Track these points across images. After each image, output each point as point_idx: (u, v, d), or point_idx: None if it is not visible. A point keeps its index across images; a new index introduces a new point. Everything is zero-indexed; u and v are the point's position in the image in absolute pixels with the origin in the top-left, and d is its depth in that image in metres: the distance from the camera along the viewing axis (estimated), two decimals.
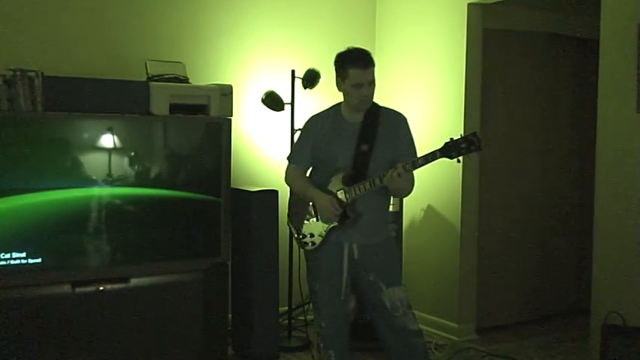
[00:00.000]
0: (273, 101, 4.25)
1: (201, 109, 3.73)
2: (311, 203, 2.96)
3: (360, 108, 2.88)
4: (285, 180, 3.12)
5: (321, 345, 2.98)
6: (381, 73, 5.05)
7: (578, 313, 4.73)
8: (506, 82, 4.64)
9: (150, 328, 3.56)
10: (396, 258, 3.09)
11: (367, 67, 2.83)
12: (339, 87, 2.91)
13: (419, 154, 2.82)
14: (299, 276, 4.23)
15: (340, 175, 2.87)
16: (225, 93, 3.78)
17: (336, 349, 2.95)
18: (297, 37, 4.72)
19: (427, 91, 4.58)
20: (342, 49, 2.99)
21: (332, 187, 2.88)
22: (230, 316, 4.02)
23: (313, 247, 2.98)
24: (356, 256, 2.91)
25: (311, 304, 4.55)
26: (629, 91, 3.45)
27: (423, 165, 2.70)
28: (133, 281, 3.53)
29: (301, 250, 3.18)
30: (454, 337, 4.34)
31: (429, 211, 4.54)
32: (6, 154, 3.26)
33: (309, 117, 3.06)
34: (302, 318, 4.65)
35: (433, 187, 4.39)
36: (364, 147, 2.85)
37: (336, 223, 2.88)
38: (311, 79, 4.26)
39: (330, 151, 2.92)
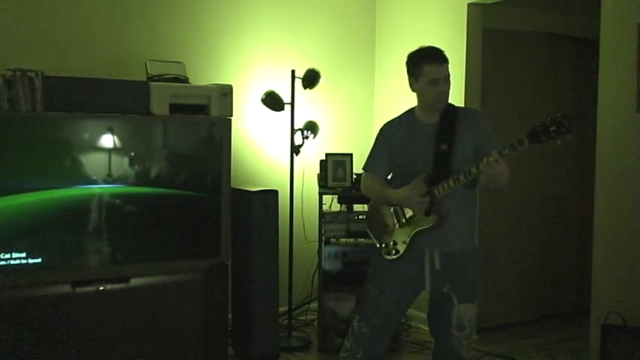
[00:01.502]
0: (273, 101, 4.25)
1: (201, 109, 3.73)
2: (392, 210, 2.82)
3: (436, 107, 2.75)
4: (362, 189, 2.98)
5: (352, 345, 2.82)
6: (381, 74, 5.07)
7: (578, 313, 4.72)
8: (506, 82, 4.64)
9: (150, 328, 3.56)
10: (477, 273, 2.82)
11: (442, 62, 2.72)
12: (413, 87, 2.80)
13: None
14: (299, 276, 4.23)
15: (421, 177, 2.70)
16: (225, 93, 3.78)
17: (370, 353, 2.81)
18: (298, 37, 4.72)
19: None
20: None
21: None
22: (230, 316, 4.02)
23: (397, 255, 2.78)
24: (437, 266, 2.73)
25: (312, 304, 4.61)
26: (629, 91, 3.45)
27: (510, 154, 2.50)
28: (133, 281, 3.53)
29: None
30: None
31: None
32: (6, 154, 3.26)
33: (383, 124, 2.94)
34: (302, 318, 4.66)
35: None
36: (444, 147, 2.70)
37: (421, 227, 2.71)
38: (311, 79, 4.26)
39: (408, 155, 2.78)
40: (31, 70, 3.31)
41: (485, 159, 2.52)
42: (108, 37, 4.03)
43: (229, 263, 3.84)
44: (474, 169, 2.58)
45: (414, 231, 2.75)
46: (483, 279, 4.46)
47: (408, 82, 2.82)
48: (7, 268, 3.26)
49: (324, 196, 4.32)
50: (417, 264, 2.76)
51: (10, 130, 3.28)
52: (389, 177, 2.93)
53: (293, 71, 4.28)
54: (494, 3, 4.25)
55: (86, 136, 3.49)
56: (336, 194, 4.36)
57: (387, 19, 4.95)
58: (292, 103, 4.28)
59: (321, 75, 4.27)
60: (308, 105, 4.57)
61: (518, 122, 4.69)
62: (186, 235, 3.71)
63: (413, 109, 2.88)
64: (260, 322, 3.89)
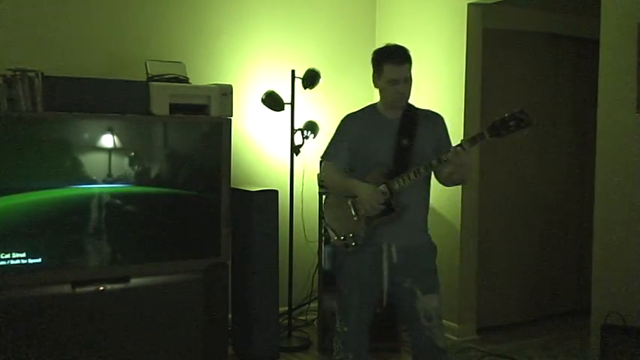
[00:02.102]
0: (273, 101, 4.25)
1: (201, 109, 3.73)
2: (350, 202, 2.82)
3: (395, 105, 2.82)
4: (320, 178, 3.01)
5: (340, 347, 2.89)
6: None
7: (578, 313, 4.73)
8: (506, 82, 4.64)
9: (150, 328, 3.56)
10: (434, 264, 2.90)
11: (402, 63, 2.76)
12: (375, 84, 2.85)
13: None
14: (299, 276, 4.23)
15: (380, 170, 2.77)
16: (225, 93, 3.78)
17: (357, 352, 2.87)
18: (297, 38, 4.72)
19: (427, 91, 4.57)
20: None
21: (372, 182, 2.77)
22: (230, 316, 4.02)
23: (356, 247, 2.82)
24: (395, 260, 2.79)
25: (312, 304, 4.61)
26: (629, 91, 3.45)
27: (472, 147, 2.62)
28: (133, 281, 3.53)
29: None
30: (454, 337, 4.33)
31: (429, 211, 4.53)
32: (6, 154, 3.26)
33: (344, 116, 2.98)
34: (302, 318, 4.66)
35: (433, 187, 4.37)
36: (405, 142, 2.78)
37: (378, 219, 2.75)
38: (311, 79, 4.26)
39: (369, 148, 2.83)
40: (31, 70, 3.31)
41: (452, 148, 2.63)
42: (108, 37, 4.03)
43: (229, 263, 3.84)
44: (434, 162, 2.68)
45: (372, 223, 2.79)
46: (484, 279, 4.54)
47: (372, 78, 2.88)
48: (7, 268, 3.26)
49: (324, 196, 4.31)
50: (377, 257, 2.81)
51: (10, 130, 3.28)
52: (348, 168, 2.96)
53: (293, 71, 4.28)
54: (494, 3, 4.26)
55: (86, 136, 3.49)
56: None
57: (387, 19, 4.95)
58: (292, 103, 4.28)
59: (321, 75, 4.27)
60: (308, 105, 4.57)
61: None
62: (186, 235, 3.71)
63: (375, 104, 2.94)
64: (260, 322, 3.89)
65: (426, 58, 4.58)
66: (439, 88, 4.48)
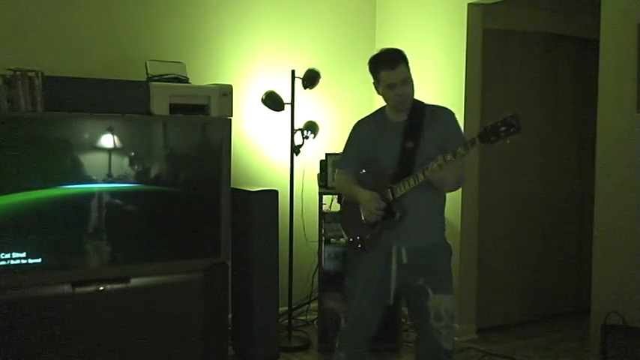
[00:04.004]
0: (273, 101, 4.25)
1: (201, 109, 3.73)
2: (359, 205, 2.87)
3: (398, 108, 2.82)
4: (335, 186, 3.11)
5: (338, 343, 2.91)
6: None
7: (578, 313, 4.73)
8: (506, 82, 4.64)
9: (150, 328, 3.56)
10: (448, 265, 2.88)
11: (395, 66, 2.76)
12: (377, 91, 2.86)
13: None
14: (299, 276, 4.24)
15: (386, 174, 2.79)
16: (225, 93, 3.78)
17: (349, 351, 2.87)
18: (298, 38, 4.72)
19: (427, 91, 4.56)
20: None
21: (378, 186, 2.80)
22: (230, 316, 4.02)
23: (363, 249, 2.86)
24: (405, 260, 2.78)
25: (312, 304, 4.61)
26: (629, 91, 3.45)
27: (465, 154, 2.58)
28: (133, 281, 3.53)
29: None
30: (454, 337, 4.33)
31: None
32: (6, 153, 3.26)
33: (356, 122, 3.01)
34: (302, 318, 4.66)
35: None
36: (410, 144, 2.77)
37: (384, 222, 2.77)
38: (311, 79, 4.26)
39: (374, 151, 2.86)
40: (31, 70, 3.31)
41: (430, 164, 2.60)
42: (108, 37, 4.03)
43: (229, 263, 3.84)
44: (421, 175, 2.67)
45: (379, 226, 2.81)
46: (484, 279, 4.54)
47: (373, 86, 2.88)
48: (7, 268, 3.26)
49: (324, 196, 4.32)
50: (385, 258, 2.81)
51: (10, 130, 3.28)
52: (362, 172, 3.00)
53: (293, 71, 4.28)
54: (494, 3, 4.26)
55: (86, 136, 3.49)
56: (336, 194, 4.36)
57: (387, 19, 4.95)
58: (292, 103, 4.28)
59: (321, 75, 4.27)
60: (308, 105, 4.57)
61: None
62: (186, 235, 3.71)
63: (384, 107, 2.94)
64: (260, 322, 3.89)
65: (426, 58, 4.58)
66: (439, 88, 4.47)
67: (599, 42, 3.64)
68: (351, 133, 3.01)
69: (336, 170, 3.10)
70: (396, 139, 2.81)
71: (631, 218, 3.48)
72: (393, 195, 2.75)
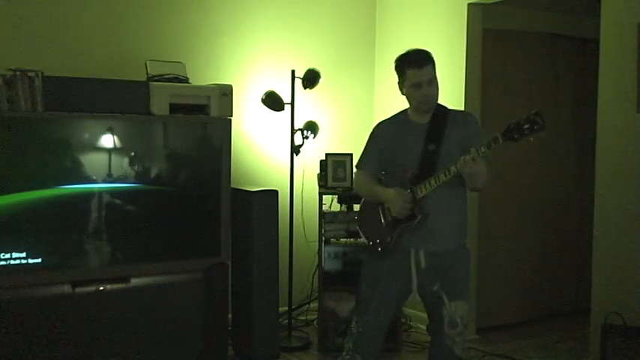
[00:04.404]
0: (273, 101, 4.25)
1: (201, 109, 3.73)
2: (380, 208, 2.84)
3: (422, 109, 2.79)
4: (354, 187, 3.06)
5: (350, 347, 2.85)
6: (381, 74, 5.07)
7: (578, 313, 4.73)
8: (506, 82, 4.64)
9: (150, 328, 3.56)
10: (466, 271, 2.85)
11: (423, 65, 2.75)
12: (402, 91, 2.84)
13: None
14: (298, 276, 4.24)
15: (407, 175, 2.74)
16: (225, 93, 3.77)
17: (364, 356, 2.83)
18: (297, 37, 4.72)
19: None
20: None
21: (399, 187, 2.76)
22: (230, 316, 4.02)
23: (383, 252, 2.83)
24: (423, 265, 2.76)
25: (312, 304, 4.61)
26: (629, 91, 3.45)
27: (487, 152, 2.52)
28: (133, 281, 3.53)
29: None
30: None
31: None
32: (6, 154, 3.26)
33: (377, 123, 2.99)
34: (302, 318, 4.66)
35: None
36: (432, 146, 2.74)
37: (405, 224, 2.74)
38: (311, 79, 4.26)
39: (396, 153, 2.83)
40: (31, 70, 3.31)
41: (462, 157, 2.53)
42: (108, 37, 4.03)
43: (229, 263, 3.84)
44: (453, 168, 2.59)
45: (399, 228, 2.77)
46: (484, 279, 4.53)
47: (398, 86, 2.86)
48: (7, 268, 3.26)
49: (324, 196, 4.32)
50: (404, 262, 2.79)
51: (10, 130, 3.28)
52: (382, 174, 2.97)
53: (293, 71, 4.28)
54: (494, 3, 4.25)
55: (86, 136, 3.49)
56: (336, 194, 4.37)
57: (387, 19, 4.95)
58: (292, 103, 4.28)
59: (321, 75, 4.27)
60: (308, 105, 4.57)
61: None
62: (186, 235, 3.71)
63: (406, 109, 2.91)
64: (260, 322, 3.89)
65: None
66: (439, 87, 4.47)
67: (599, 42, 3.64)
68: (371, 133, 2.98)
69: (355, 171, 3.07)
70: (418, 141, 2.77)
71: (631, 218, 3.48)
72: (414, 196, 2.71)
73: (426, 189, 2.68)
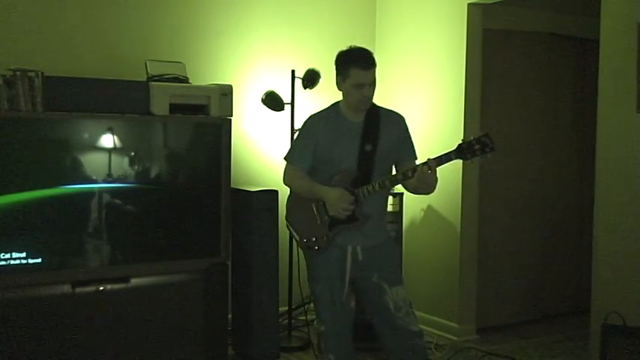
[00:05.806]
0: (273, 101, 4.25)
1: (201, 109, 3.73)
2: (314, 205, 2.87)
3: (359, 108, 2.83)
4: (284, 181, 3.01)
5: (323, 347, 2.93)
6: (381, 74, 5.04)
7: (578, 313, 4.73)
8: (506, 82, 4.65)
9: (150, 328, 3.56)
10: (398, 257, 3.06)
11: (369, 68, 2.78)
12: (339, 86, 2.86)
13: (427, 156, 2.76)
14: (299, 276, 4.23)
15: (344, 177, 2.80)
16: (225, 93, 3.78)
17: (337, 352, 2.89)
18: (297, 37, 4.72)
19: (427, 91, 4.58)
20: (342, 48, 2.97)
21: (339, 187, 2.80)
22: (230, 316, 4.02)
23: (318, 250, 2.89)
24: (360, 257, 2.85)
25: (311, 304, 4.60)
26: (629, 91, 3.45)
27: (438, 166, 2.65)
28: (133, 281, 3.53)
29: (301, 250, 3.14)
30: (454, 337, 4.34)
31: (429, 211, 4.54)
32: (6, 154, 3.26)
33: (309, 117, 2.98)
34: (302, 318, 4.66)
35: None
36: (368, 147, 2.80)
37: (343, 224, 2.81)
38: (311, 79, 4.26)
39: (333, 152, 2.84)
40: (31, 70, 3.31)
41: (419, 168, 2.65)
42: (108, 37, 4.03)
43: (229, 263, 3.84)
44: (399, 176, 2.75)
45: (337, 228, 2.83)
46: (484, 279, 4.54)
47: (335, 80, 2.88)
48: (7, 268, 3.26)
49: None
50: (340, 258, 2.86)
51: (10, 130, 3.28)
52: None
53: (293, 71, 4.28)
54: (494, 3, 4.26)
55: (86, 136, 3.49)
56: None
57: (387, 19, 4.95)
58: (292, 103, 4.28)
59: (321, 75, 4.27)
60: (308, 105, 4.57)
61: (519, 122, 4.71)
62: (186, 235, 3.72)
63: (338, 103, 2.92)
64: (260, 322, 3.89)
65: (426, 58, 4.59)
66: (439, 88, 4.48)
67: (599, 42, 3.64)
68: (305, 126, 2.96)
69: (286, 164, 2.98)
70: (354, 141, 2.83)
71: (631, 218, 3.48)
72: (356, 199, 2.78)
73: (369, 193, 2.77)
